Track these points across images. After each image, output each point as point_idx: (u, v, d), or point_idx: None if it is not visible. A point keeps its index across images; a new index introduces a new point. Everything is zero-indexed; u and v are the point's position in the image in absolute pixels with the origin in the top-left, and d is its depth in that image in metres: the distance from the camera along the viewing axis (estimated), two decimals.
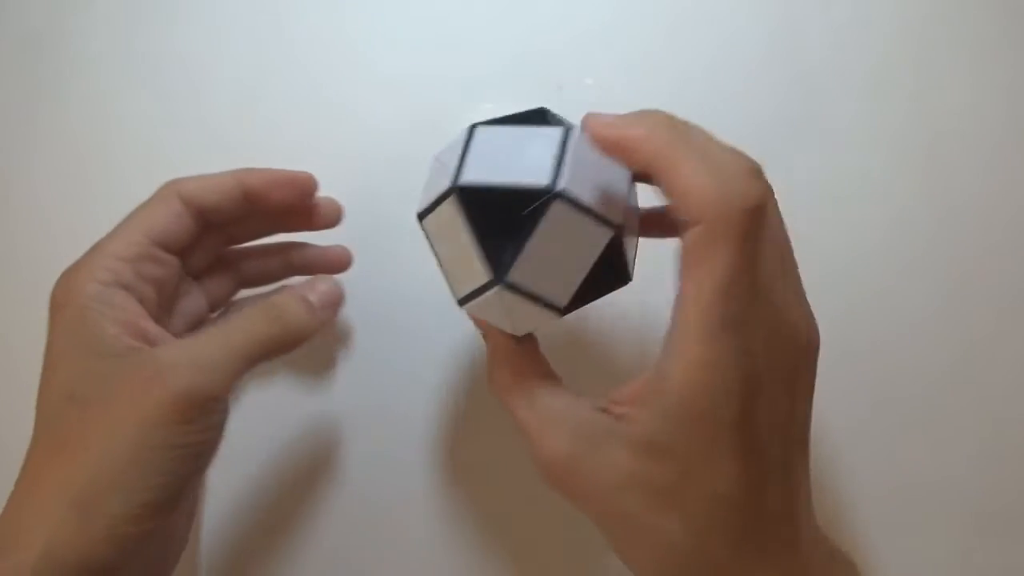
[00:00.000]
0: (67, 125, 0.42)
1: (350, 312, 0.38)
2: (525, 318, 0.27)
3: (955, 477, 0.37)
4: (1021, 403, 0.38)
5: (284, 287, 0.34)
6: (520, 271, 0.25)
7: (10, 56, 0.43)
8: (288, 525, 0.36)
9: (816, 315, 0.26)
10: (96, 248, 0.29)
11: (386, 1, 0.44)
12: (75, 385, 0.25)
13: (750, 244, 0.22)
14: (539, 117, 0.28)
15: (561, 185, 0.24)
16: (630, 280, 0.28)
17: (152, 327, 0.28)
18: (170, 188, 0.31)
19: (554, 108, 0.42)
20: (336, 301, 0.33)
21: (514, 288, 0.26)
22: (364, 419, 0.37)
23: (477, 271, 0.26)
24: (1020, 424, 0.37)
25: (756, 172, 0.24)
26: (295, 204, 0.34)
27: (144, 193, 0.41)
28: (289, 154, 0.41)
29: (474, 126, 0.28)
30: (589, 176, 0.25)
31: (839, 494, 0.37)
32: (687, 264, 0.23)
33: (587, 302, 0.27)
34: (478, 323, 0.29)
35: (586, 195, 0.25)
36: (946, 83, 0.42)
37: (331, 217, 0.35)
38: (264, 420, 0.37)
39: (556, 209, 0.25)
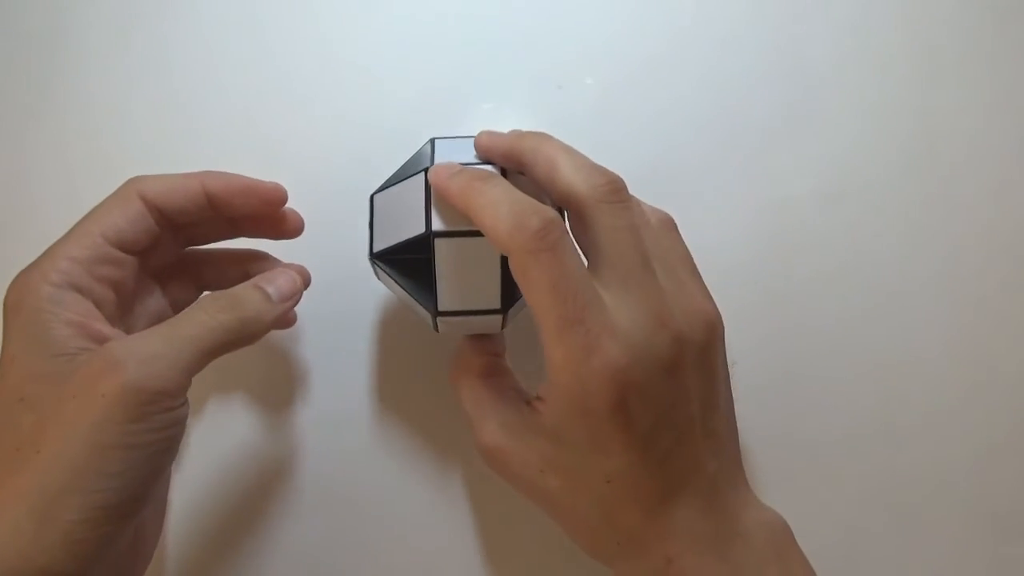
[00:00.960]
0: (67, 125, 0.42)
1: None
2: (478, 327, 0.33)
3: (955, 476, 0.37)
4: (1021, 402, 0.38)
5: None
6: (446, 299, 0.31)
7: (10, 56, 0.43)
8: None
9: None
10: (50, 250, 0.28)
11: (386, 1, 0.44)
12: (26, 388, 0.25)
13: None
14: (417, 163, 0.33)
15: (434, 226, 0.30)
16: None
17: (106, 328, 0.27)
18: (131, 187, 0.30)
19: (554, 108, 0.42)
20: (294, 293, 0.31)
21: (450, 313, 0.31)
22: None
23: (420, 308, 0.32)
24: (1021, 423, 0.37)
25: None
26: (259, 213, 0.33)
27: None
28: (288, 153, 0.41)
29: (372, 195, 0.34)
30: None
31: (839, 493, 0.37)
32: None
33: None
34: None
35: (458, 222, 0.30)
36: (945, 83, 0.42)
37: (294, 229, 0.35)
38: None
39: (440, 244, 0.30)
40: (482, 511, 0.36)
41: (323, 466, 0.36)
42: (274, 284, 0.30)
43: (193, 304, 0.28)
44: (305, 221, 0.36)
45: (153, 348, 0.25)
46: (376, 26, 0.43)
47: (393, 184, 0.33)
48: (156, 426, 0.25)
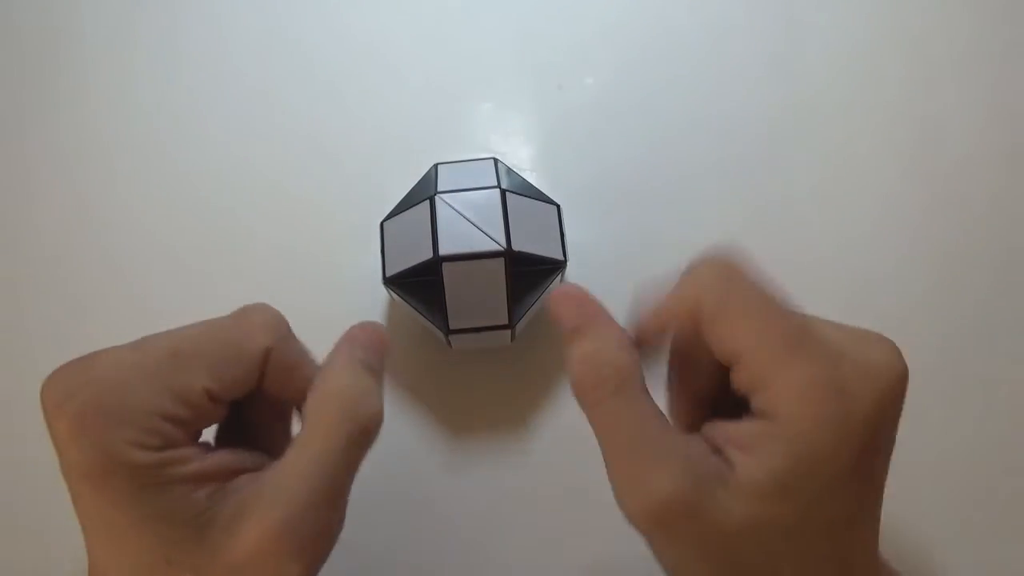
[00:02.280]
0: (68, 125, 0.42)
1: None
2: (489, 342, 0.34)
3: (949, 469, 0.37)
4: (1014, 397, 0.38)
5: (332, 384, 0.26)
6: (456, 318, 0.33)
7: (10, 56, 0.43)
8: None
9: (816, 314, 0.25)
10: (127, 395, 0.23)
11: (386, 1, 0.44)
12: (169, 551, 0.23)
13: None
14: (423, 191, 0.35)
15: (441, 251, 0.32)
16: (564, 262, 0.34)
17: (222, 456, 0.25)
18: (259, 340, 0.25)
19: (554, 108, 0.43)
20: (386, 349, 0.27)
21: (460, 331, 0.33)
22: None
23: (433, 327, 0.34)
24: (1012, 416, 0.37)
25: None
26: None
27: (144, 193, 0.41)
28: (288, 152, 0.41)
29: (382, 223, 0.35)
30: (460, 231, 0.32)
31: None
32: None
33: (530, 305, 0.34)
34: (555, 313, 0.26)
35: (463, 246, 0.32)
36: (946, 83, 0.42)
37: None
38: None
39: (448, 268, 0.32)
40: (491, 520, 0.36)
41: None
42: (369, 351, 0.26)
43: (321, 427, 0.24)
44: (315, 234, 0.36)
45: (321, 517, 0.24)
46: (376, 27, 0.43)
47: (401, 211, 0.35)
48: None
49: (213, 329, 0.25)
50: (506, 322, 0.33)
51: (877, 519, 0.24)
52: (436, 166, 0.36)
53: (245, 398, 0.26)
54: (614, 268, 0.39)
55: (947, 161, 0.41)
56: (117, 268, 0.39)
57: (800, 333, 0.22)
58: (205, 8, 0.44)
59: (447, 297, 0.32)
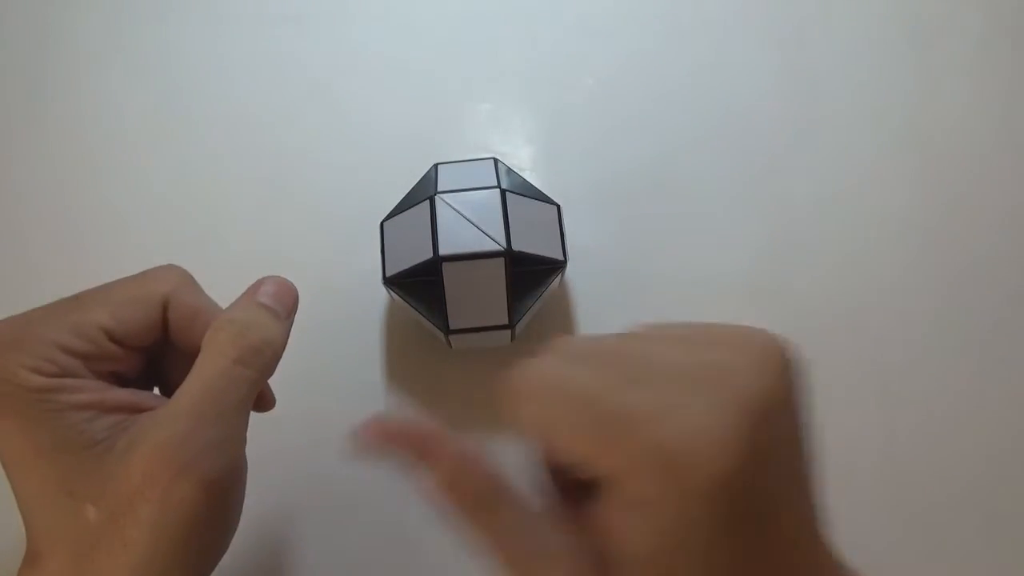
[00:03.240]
0: (67, 125, 0.42)
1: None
2: (488, 342, 0.34)
3: (954, 474, 0.37)
4: (1020, 402, 0.38)
5: (225, 317, 0.27)
6: (456, 318, 0.33)
7: (10, 56, 0.43)
8: (263, 534, 0.36)
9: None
10: (34, 328, 0.25)
11: (386, 2, 0.44)
12: (71, 482, 0.24)
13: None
14: (423, 191, 0.35)
15: (441, 251, 0.32)
16: (564, 262, 0.34)
17: (122, 393, 0.26)
18: (156, 287, 0.27)
19: (554, 108, 0.42)
20: (294, 298, 0.29)
21: (460, 331, 0.33)
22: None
23: (432, 327, 0.34)
24: (1020, 421, 0.37)
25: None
26: None
27: (144, 193, 0.41)
28: (288, 151, 0.41)
29: (382, 223, 0.35)
30: (460, 231, 0.32)
31: (839, 493, 0.37)
32: None
33: (530, 306, 0.34)
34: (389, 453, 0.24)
35: (463, 246, 0.32)
36: (946, 83, 0.42)
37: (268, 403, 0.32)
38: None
39: (448, 268, 0.32)
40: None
41: (333, 473, 0.36)
42: (271, 296, 0.28)
43: (208, 353, 0.26)
44: (314, 233, 0.36)
45: (209, 434, 0.24)
46: (376, 26, 0.43)
47: (401, 211, 0.35)
48: (235, 498, 0.26)
49: (117, 281, 0.27)
50: (506, 322, 0.33)
51: (790, 547, 0.21)
52: (436, 166, 0.36)
53: (164, 357, 0.28)
54: (614, 268, 0.39)
55: (955, 164, 0.41)
56: (118, 265, 0.39)
57: (605, 419, 0.20)
58: (206, 8, 0.44)
59: (447, 297, 0.32)
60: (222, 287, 0.29)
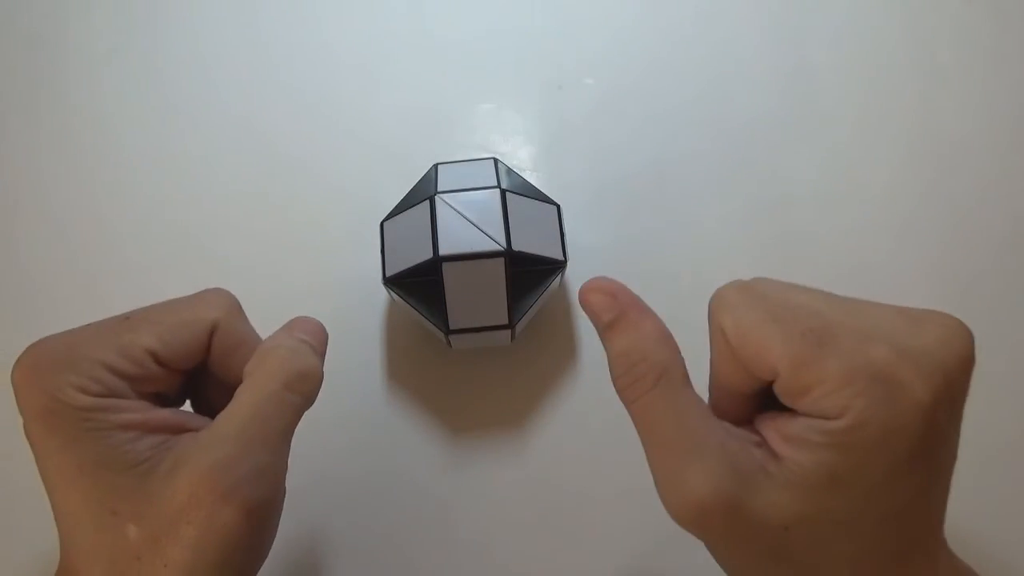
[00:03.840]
0: (67, 125, 0.42)
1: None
2: (489, 342, 0.34)
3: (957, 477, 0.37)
4: (1020, 402, 0.38)
5: (269, 345, 0.28)
6: (456, 318, 0.33)
7: (10, 56, 0.43)
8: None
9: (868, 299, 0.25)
10: (81, 346, 0.25)
11: (386, 1, 0.44)
12: (114, 503, 0.24)
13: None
14: (423, 191, 0.35)
15: (441, 251, 0.31)
16: (564, 262, 0.34)
17: (167, 412, 0.26)
18: (207, 313, 0.27)
19: (554, 108, 0.43)
20: (324, 338, 0.29)
21: (460, 331, 0.33)
22: (346, 438, 0.37)
23: (432, 327, 0.34)
24: (1021, 421, 0.37)
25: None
26: None
27: (143, 193, 0.41)
28: (287, 151, 0.41)
29: (382, 223, 0.35)
30: (460, 231, 0.32)
31: None
32: None
33: (530, 305, 0.34)
34: (589, 308, 0.26)
35: (463, 246, 0.32)
36: (946, 84, 0.42)
37: None
38: None
39: (448, 268, 0.32)
40: (491, 520, 0.36)
41: (333, 472, 0.37)
42: (307, 333, 0.28)
43: (256, 378, 0.26)
44: (314, 233, 0.36)
45: (255, 459, 0.24)
46: (376, 26, 0.43)
47: (401, 211, 0.35)
48: (274, 523, 0.26)
49: (167, 302, 0.27)
50: (506, 322, 0.33)
51: (940, 507, 0.23)
52: (436, 166, 0.36)
53: (199, 377, 0.28)
54: (614, 268, 0.39)
55: (956, 166, 0.41)
56: (118, 268, 0.39)
57: (822, 330, 0.22)
58: (207, 8, 0.44)
59: (447, 297, 0.32)
60: (224, 288, 0.29)
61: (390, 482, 0.37)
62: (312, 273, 0.39)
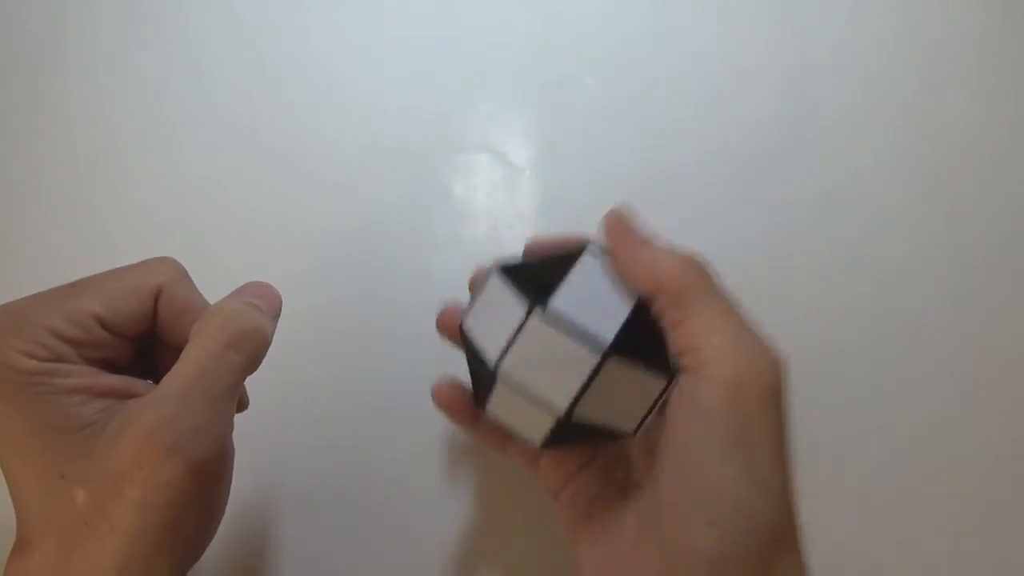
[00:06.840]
0: (67, 125, 0.42)
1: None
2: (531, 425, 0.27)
3: (956, 475, 0.37)
4: (1021, 401, 0.38)
5: (215, 307, 0.28)
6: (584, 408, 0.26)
7: (10, 56, 0.43)
8: (260, 531, 0.36)
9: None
10: (29, 314, 0.25)
11: (387, 2, 0.44)
12: (62, 465, 0.24)
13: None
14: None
15: (610, 342, 0.26)
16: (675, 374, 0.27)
17: (113, 378, 0.26)
18: (151, 279, 0.27)
19: (554, 108, 0.42)
20: (278, 302, 0.29)
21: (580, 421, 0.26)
22: (341, 437, 0.37)
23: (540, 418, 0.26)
24: (1021, 420, 0.37)
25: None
26: None
27: (143, 193, 0.41)
28: (287, 151, 0.41)
29: (461, 326, 0.28)
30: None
31: (839, 493, 0.37)
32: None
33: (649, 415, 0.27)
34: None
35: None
36: (947, 85, 0.42)
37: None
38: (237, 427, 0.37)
39: (610, 366, 0.26)
40: (491, 520, 0.36)
41: (327, 469, 0.37)
42: (257, 296, 0.28)
43: (199, 339, 0.26)
44: (314, 233, 0.36)
45: (196, 417, 0.25)
46: (376, 25, 0.43)
47: (474, 302, 0.29)
48: (222, 483, 0.26)
49: (113, 270, 0.28)
50: (632, 430, 0.27)
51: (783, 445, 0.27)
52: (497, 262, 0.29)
53: (153, 347, 0.28)
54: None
55: (956, 167, 0.41)
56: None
57: (744, 328, 0.26)
58: (208, 9, 0.44)
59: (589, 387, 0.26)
60: (224, 292, 0.29)
61: (389, 482, 0.37)
62: (312, 272, 0.39)
